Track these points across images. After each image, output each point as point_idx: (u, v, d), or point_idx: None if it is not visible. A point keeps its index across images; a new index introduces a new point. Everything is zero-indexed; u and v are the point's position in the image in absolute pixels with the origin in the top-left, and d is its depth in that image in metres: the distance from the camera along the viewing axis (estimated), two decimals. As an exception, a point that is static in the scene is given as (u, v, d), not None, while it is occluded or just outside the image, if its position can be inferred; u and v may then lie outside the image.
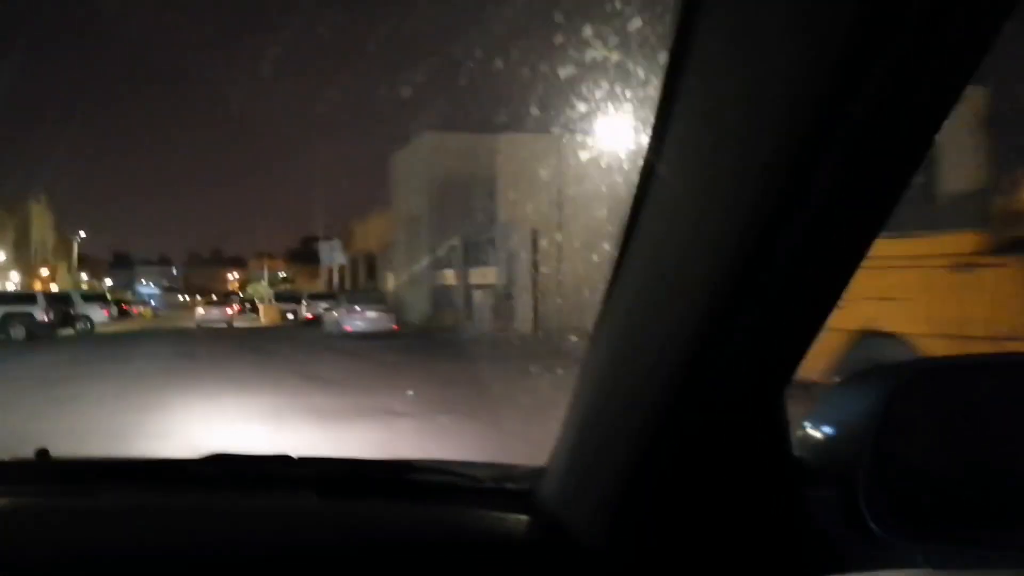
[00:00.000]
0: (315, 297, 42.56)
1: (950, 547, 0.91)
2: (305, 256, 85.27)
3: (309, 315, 40.11)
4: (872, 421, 0.95)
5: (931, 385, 1.02)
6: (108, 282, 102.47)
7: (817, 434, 1.02)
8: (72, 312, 35.66)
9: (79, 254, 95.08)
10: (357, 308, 28.63)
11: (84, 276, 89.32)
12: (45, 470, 1.37)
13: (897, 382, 1.00)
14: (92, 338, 33.26)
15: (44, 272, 67.41)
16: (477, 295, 30.00)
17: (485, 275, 31.59)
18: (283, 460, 1.33)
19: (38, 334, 30.67)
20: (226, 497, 1.28)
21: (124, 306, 69.06)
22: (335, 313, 29.66)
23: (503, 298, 28.75)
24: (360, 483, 1.28)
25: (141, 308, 78.45)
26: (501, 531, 1.12)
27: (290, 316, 48.13)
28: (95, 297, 43.60)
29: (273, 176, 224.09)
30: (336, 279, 56.59)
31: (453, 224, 34.73)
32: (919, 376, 1.05)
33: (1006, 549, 0.90)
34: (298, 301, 52.00)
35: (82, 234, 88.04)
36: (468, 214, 32.09)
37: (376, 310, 28.80)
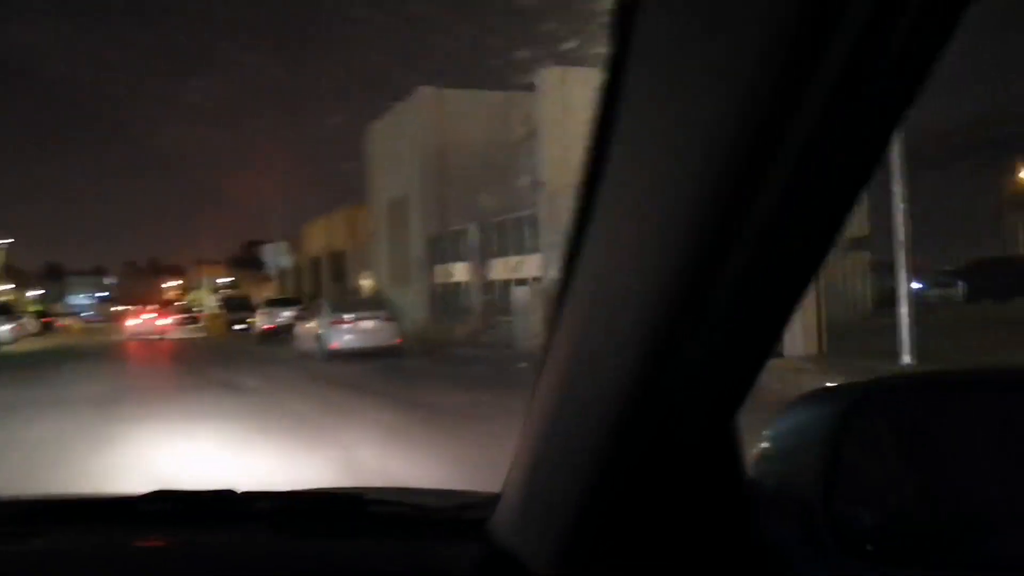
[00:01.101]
0: (276, 303, 34.29)
1: (904, 569, 0.89)
2: (248, 262, 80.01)
3: (268, 325, 31.72)
4: (827, 440, 0.93)
5: (888, 403, 1.00)
6: (32, 293, 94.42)
7: (772, 454, 1.00)
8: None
9: (5, 264, 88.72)
10: (347, 316, 20.67)
11: (8, 286, 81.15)
12: None
13: (853, 400, 1.00)
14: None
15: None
16: (519, 294, 21.93)
17: (517, 266, 23.92)
18: (228, 496, 1.28)
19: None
20: (172, 535, 1.24)
21: (47, 319, 61.14)
22: (312, 324, 21.71)
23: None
24: (310, 517, 1.24)
25: (68, 320, 70.99)
26: (455, 563, 1.11)
27: (240, 327, 40.38)
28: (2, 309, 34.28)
29: (213, 183, 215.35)
30: (289, 284, 48.82)
31: (460, 203, 26.94)
32: (876, 394, 1.02)
33: (960, 571, 0.88)
34: (250, 309, 44.39)
35: (5, 241, 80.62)
36: (486, 188, 24.14)
37: (373, 318, 20.87)
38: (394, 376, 15.80)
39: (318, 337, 20.68)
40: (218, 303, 47.61)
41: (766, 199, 0.68)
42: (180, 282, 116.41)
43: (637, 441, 0.85)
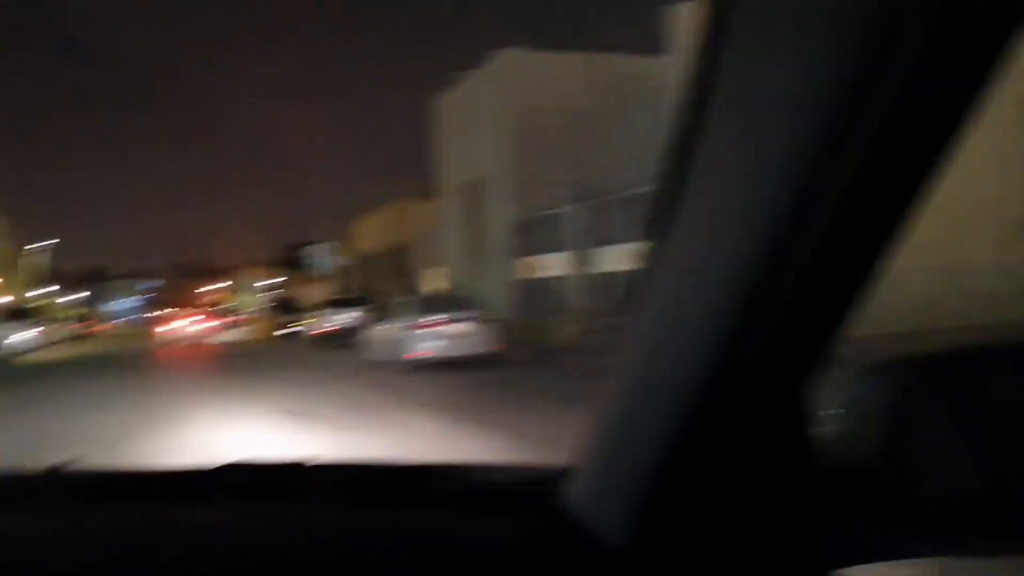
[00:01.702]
0: (336, 304, 29.87)
1: (970, 541, 0.91)
2: (294, 263, 79.01)
3: (326, 328, 27.62)
4: (894, 410, 0.94)
5: (956, 372, 0.99)
6: (72, 297, 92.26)
7: (839, 425, 1.00)
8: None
9: (55, 267, 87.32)
10: (435, 319, 16.57)
11: (51, 288, 78.78)
12: (55, 485, 1.34)
13: (921, 369, 0.99)
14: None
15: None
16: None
17: (630, 256, 19.38)
18: (297, 467, 1.32)
19: None
20: (242, 507, 1.26)
21: (86, 323, 58.21)
22: (387, 328, 17.69)
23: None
24: (378, 490, 1.26)
25: (108, 325, 68.32)
26: (523, 535, 1.11)
27: (288, 330, 36.70)
28: (18, 313, 30.32)
29: (259, 184, 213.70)
30: (341, 283, 45.10)
31: (550, 183, 22.74)
32: (943, 363, 1.01)
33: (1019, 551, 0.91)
34: (298, 310, 40.69)
35: (47, 243, 78.39)
36: (584, 163, 19.87)
37: (466, 320, 16.77)
38: (513, 397, 11.75)
39: (396, 343, 16.72)
40: (265, 305, 43.88)
41: (845, 177, 0.73)
42: (224, 284, 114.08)
43: (711, 415, 0.88)
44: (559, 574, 1.03)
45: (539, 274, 24.43)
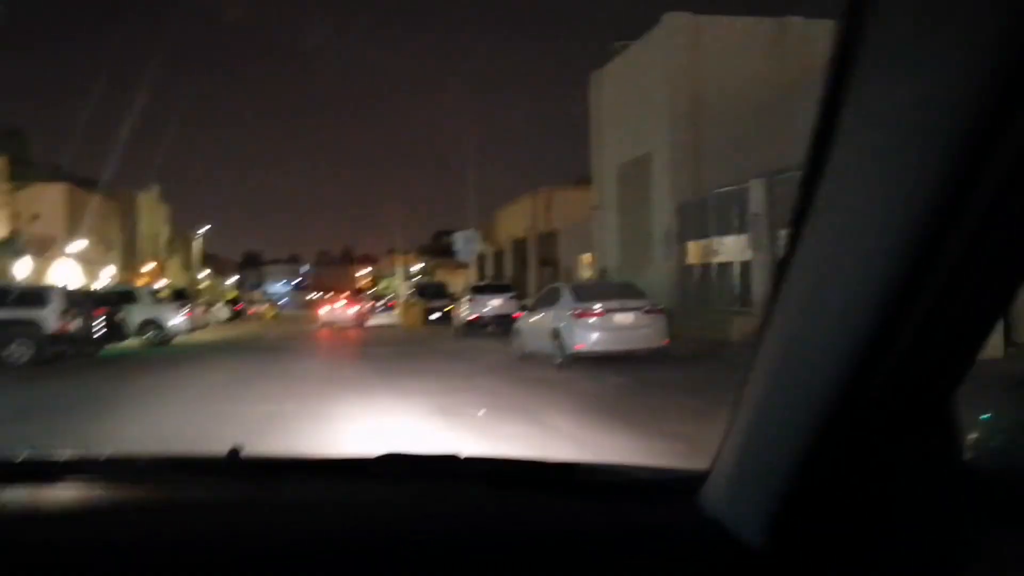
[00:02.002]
0: (483, 291, 28.35)
1: None
2: (439, 251, 79.70)
3: (474, 315, 26.30)
4: None
5: None
6: (228, 281, 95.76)
7: (993, 435, 0.99)
8: (119, 320, 23.07)
9: (206, 251, 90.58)
10: (599, 307, 14.73)
11: (204, 272, 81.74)
12: (237, 466, 1.45)
13: None
14: (146, 358, 21.09)
15: (149, 267, 57.83)
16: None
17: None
18: (451, 459, 1.37)
19: (47, 354, 18.43)
20: (402, 492, 1.33)
21: (238, 306, 59.33)
22: (544, 316, 15.88)
23: None
24: (527, 480, 1.31)
25: (261, 308, 69.74)
26: (666, 529, 1.13)
27: (435, 316, 35.77)
28: (178, 295, 30.21)
29: (406, 171, 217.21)
30: (487, 271, 43.92)
31: (731, 159, 20.55)
32: None
33: None
34: (446, 296, 39.64)
35: (203, 229, 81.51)
36: (773, 137, 17.58)
37: (633, 310, 14.88)
38: (702, 398, 9.77)
39: (555, 334, 14.90)
40: (412, 291, 43.12)
41: (987, 187, 0.71)
42: (371, 269, 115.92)
43: (854, 420, 0.86)
44: (695, 569, 1.04)
45: (711, 259, 22.05)
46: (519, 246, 40.82)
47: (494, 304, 26.14)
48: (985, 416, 0.97)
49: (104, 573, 1.07)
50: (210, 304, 48.24)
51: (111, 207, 54.99)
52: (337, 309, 40.01)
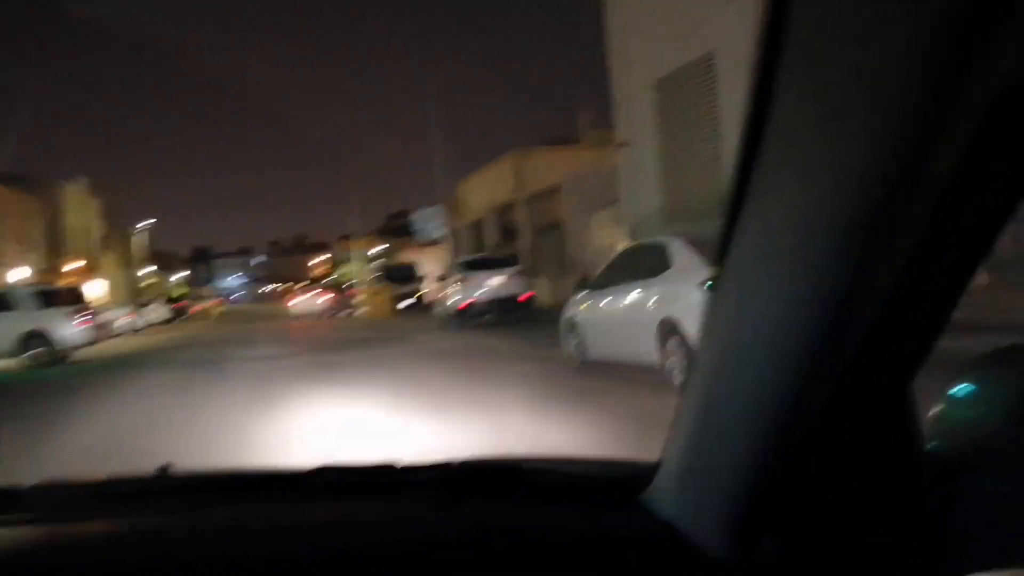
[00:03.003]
0: (478, 266, 21.57)
1: None
2: (394, 232, 74.32)
3: (468, 299, 19.93)
4: (1018, 404, 0.88)
5: None
6: (174, 277, 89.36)
7: (954, 419, 0.96)
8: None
9: (153, 249, 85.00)
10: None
11: (149, 269, 75.07)
12: (165, 485, 1.40)
13: None
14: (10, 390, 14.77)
15: (74, 265, 51.09)
16: None
17: None
18: (389, 469, 1.34)
19: None
20: (337, 508, 1.30)
21: (179, 303, 52.50)
22: (632, 296, 9.34)
23: None
24: (468, 487, 1.27)
25: (209, 303, 63.19)
26: (612, 532, 1.10)
27: (406, 303, 30.01)
28: (67, 296, 22.63)
29: (355, 154, 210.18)
30: (466, 246, 38.02)
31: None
32: None
33: None
34: (416, 279, 33.57)
35: (144, 224, 75.03)
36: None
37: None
38: None
39: (666, 326, 8.30)
40: (375, 275, 36.81)
41: (939, 172, 0.68)
42: (326, 257, 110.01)
43: (809, 412, 0.83)
44: (652, 572, 1.01)
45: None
46: (502, 213, 34.48)
47: (493, 284, 19.93)
48: (954, 391, 0.93)
49: None
50: (142, 305, 41.70)
51: (28, 202, 48.46)
52: (309, 298, 37.79)
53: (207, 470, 1.43)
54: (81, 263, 52.93)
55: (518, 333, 15.59)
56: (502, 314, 19.15)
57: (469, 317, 19.76)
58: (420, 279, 34.40)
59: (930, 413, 0.94)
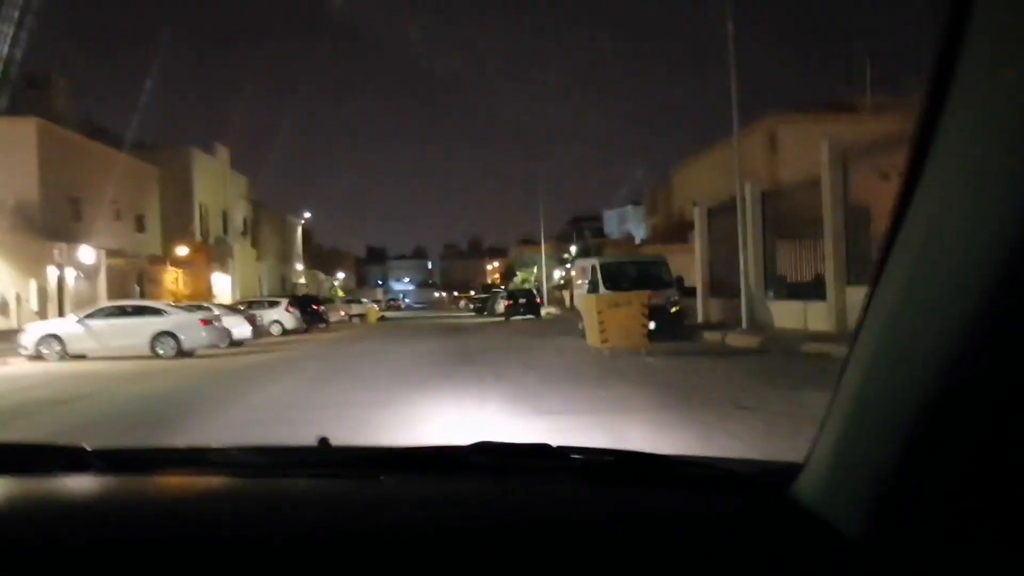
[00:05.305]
0: None
1: None
2: (582, 234, 68.41)
3: None
4: None
5: None
6: (336, 277, 79.31)
7: None
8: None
9: (320, 245, 75.59)
10: None
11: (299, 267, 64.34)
12: (328, 456, 1.49)
13: None
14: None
15: (183, 251, 39.20)
16: None
17: None
18: (544, 449, 1.39)
19: None
20: (493, 483, 1.35)
21: (317, 307, 39.32)
22: None
23: None
24: (619, 472, 1.32)
25: (352, 309, 50.29)
26: (757, 519, 1.13)
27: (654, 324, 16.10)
28: None
29: (536, 157, 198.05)
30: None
31: None
32: None
33: None
34: (663, 283, 18.71)
35: (304, 215, 64.69)
36: None
37: None
38: None
39: None
40: (587, 280, 22.23)
41: None
42: (501, 261, 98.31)
43: (958, 414, 0.84)
44: (797, 559, 1.03)
45: None
46: (792, 193, 18.98)
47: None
48: None
49: (210, 564, 1.06)
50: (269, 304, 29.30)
51: (145, 170, 40.44)
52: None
53: (363, 445, 1.59)
54: (187, 249, 40.92)
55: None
56: None
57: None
58: (669, 284, 19.89)
59: None
